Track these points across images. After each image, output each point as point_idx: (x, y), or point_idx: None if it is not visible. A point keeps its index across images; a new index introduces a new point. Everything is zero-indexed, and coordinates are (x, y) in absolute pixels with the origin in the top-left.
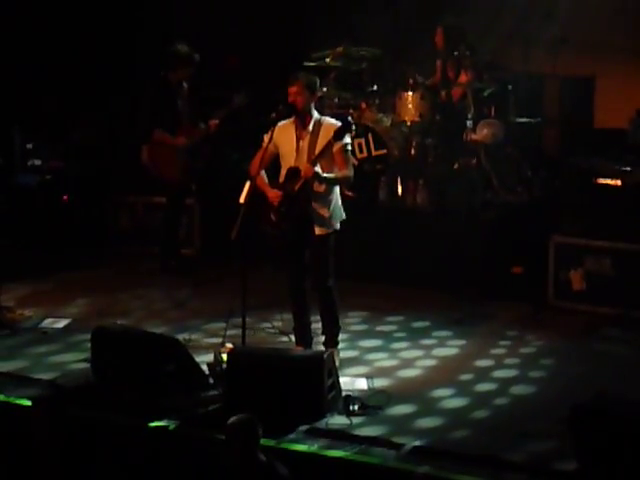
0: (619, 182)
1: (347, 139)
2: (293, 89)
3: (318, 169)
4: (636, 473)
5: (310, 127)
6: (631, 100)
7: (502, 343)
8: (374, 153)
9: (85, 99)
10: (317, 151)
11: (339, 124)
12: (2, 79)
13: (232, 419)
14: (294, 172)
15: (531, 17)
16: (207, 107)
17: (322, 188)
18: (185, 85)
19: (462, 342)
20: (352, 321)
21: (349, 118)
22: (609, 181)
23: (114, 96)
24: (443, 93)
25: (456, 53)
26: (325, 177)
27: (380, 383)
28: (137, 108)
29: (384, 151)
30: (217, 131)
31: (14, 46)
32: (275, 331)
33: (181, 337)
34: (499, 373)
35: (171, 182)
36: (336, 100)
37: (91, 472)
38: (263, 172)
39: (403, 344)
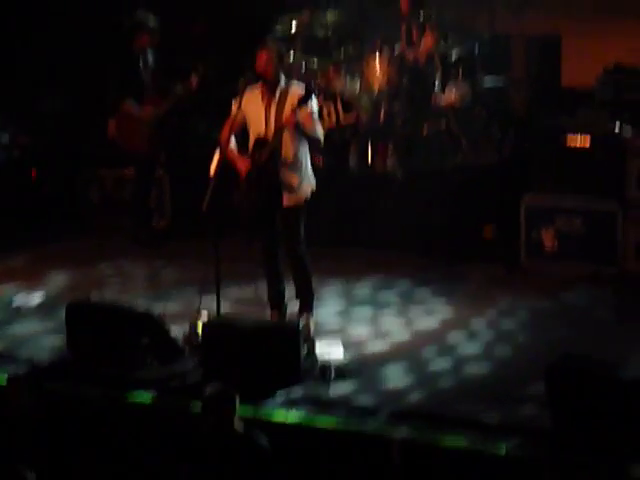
0: (588, 140)
1: (313, 104)
2: (262, 56)
3: (297, 117)
4: (606, 428)
5: (277, 94)
6: (598, 58)
7: (475, 304)
8: (343, 120)
9: (50, 71)
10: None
11: (304, 90)
12: None
13: (208, 389)
14: (262, 142)
15: None
16: (173, 76)
17: (290, 155)
18: (150, 54)
19: (438, 305)
20: (326, 286)
21: (311, 83)
22: (578, 139)
23: (80, 67)
24: (410, 57)
25: (422, 16)
26: (303, 128)
27: (356, 349)
28: (103, 78)
29: (353, 116)
30: (195, 90)
31: None
32: (249, 300)
33: (156, 308)
34: (474, 335)
35: (139, 154)
36: (303, 66)
37: (71, 447)
38: (233, 142)
39: (377, 309)
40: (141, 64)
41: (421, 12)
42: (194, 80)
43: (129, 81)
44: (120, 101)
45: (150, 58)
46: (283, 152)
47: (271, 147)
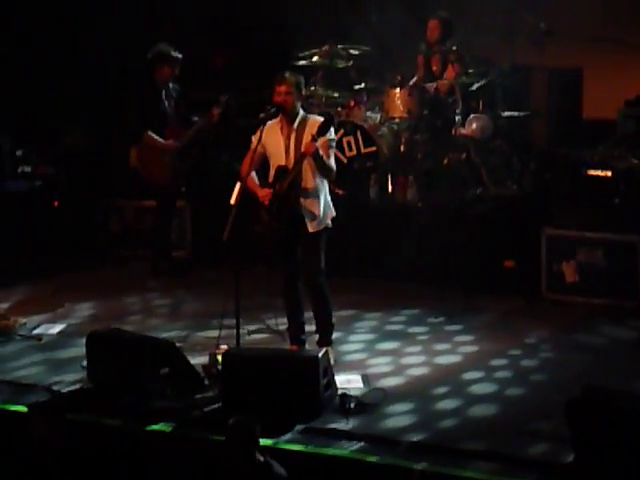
0: (609, 173)
1: (331, 134)
2: (281, 89)
3: (317, 146)
4: (629, 462)
5: (295, 125)
6: (619, 91)
7: (493, 332)
8: (363, 151)
9: (72, 104)
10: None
11: (322, 119)
12: None
13: (232, 420)
14: (283, 171)
15: (516, 10)
16: (194, 108)
17: (311, 184)
18: (171, 86)
19: (460, 334)
20: (345, 317)
21: (331, 113)
22: (599, 172)
23: (101, 99)
24: (430, 88)
25: (445, 48)
26: (322, 156)
27: (376, 380)
28: (125, 110)
29: (373, 148)
30: (217, 122)
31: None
32: (269, 331)
33: (176, 339)
34: (495, 368)
35: (161, 185)
36: (324, 99)
37: (91, 477)
38: (253, 173)
39: (398, 341)
40: (163, 96)
41: (448, 43)
42: (216, 112)
43: (151, 113)
44: (142, 132)
45: (172, 90)
46: (303, 181)
47: (292, 177)
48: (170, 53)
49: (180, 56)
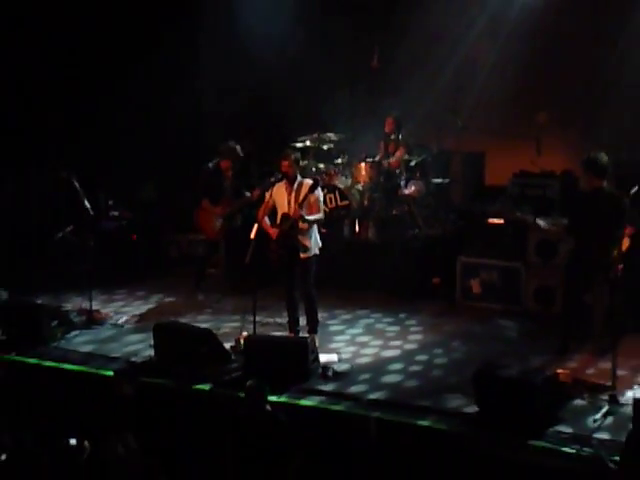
0: (502, 221)
1: (319, 193)
2: (286, 163)
3: (303, 212)
4: (515, 415)
5: (295, 186)
6: (509, 167)
7: (425, 327)
8: (339, 204)
9: (147, 168)
10: (300, 200)
11: (312, 182)
12: (88, 160)
13: (249, 382)
14: (286, 216)
15: (444, 112)
16: (244, 185)
17: (305, 227)
18: (231, 171)
19: (400, 327)
20: (327, 315)
21: (318, 179)
22: (496, 220)
23: (166, 165)
24: (385, 163)
25: (396, 137)
26: (306, 218)
27: (347, 358)
28: (195, 181)
29: (346, 202)
30: (258, 198)
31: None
32: (275, 324)
33: (213, 328)
34: (426, 348)
35: (209, 237)
36: (313, 169)
37: (155, 421)
38: (266, 217)
39: (359, 329)
40: (223, 177)
41: (398, 133)
42: (257, 192)
43: (211, 187)
44: (202, 200)
45: (231, 174)
46: (299, 223)
47: (292, 221)
48: (234, 150)
49: (241, 154)
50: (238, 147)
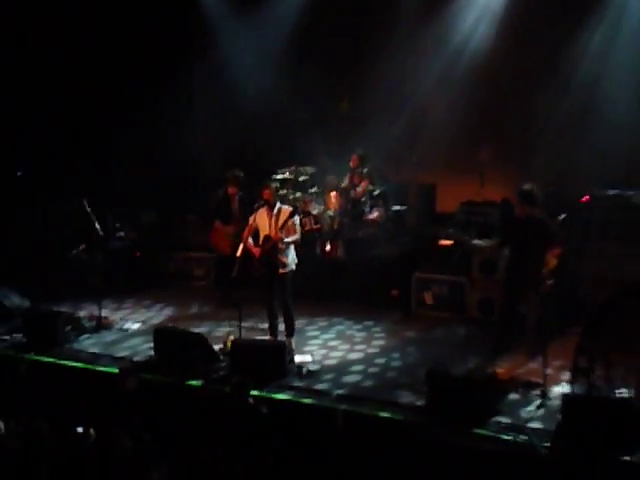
0: (451, 242)
1: (296, 218)
2: (267, 192)
3: (282, 235)
4: (461, 407)
5: (274, 211)
6: (457, 196)
7: (386, 333)
8: (313, 227)
9: (150, 194)
10: (280, 224)
11: (291, 209)
12: (99, 188)
13: (234, 379)
14: (267, 238)
15: (401, 150)
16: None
17: (283, 247)
18: (238, 195)
19: (366, 333)
20: (302, 322)
21: (297, 206)
22: (445, 242)
23: (168, 191)
24: (352, 193)
25: (361, 170)
26: (285, 240)
27: (319, 359)
28: (205, 207)
29: (319, 226)
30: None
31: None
32: (258, 329)
33: (204, 333)
34: (389, 352)
35: (224, 253)
36: (291, 197)
37: (156, 413)
38: (250, 238)
39: (331, 334)
40: (231, 200)
41: (362, 167)
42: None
43: (221, 210)
44: (214, 221)
45: (237, 198)
46: (279, 244)
47: (272, 242)
48: (238, 178)
49: (244, 180)
50: (242, 175)
